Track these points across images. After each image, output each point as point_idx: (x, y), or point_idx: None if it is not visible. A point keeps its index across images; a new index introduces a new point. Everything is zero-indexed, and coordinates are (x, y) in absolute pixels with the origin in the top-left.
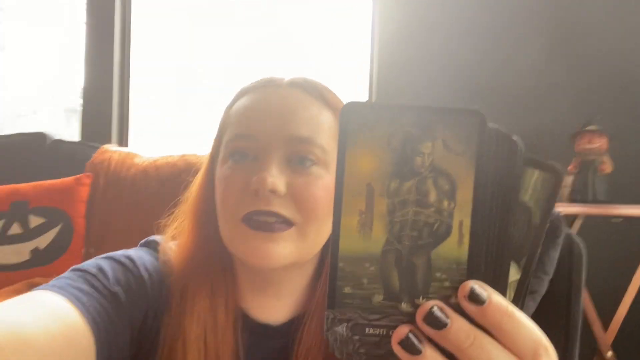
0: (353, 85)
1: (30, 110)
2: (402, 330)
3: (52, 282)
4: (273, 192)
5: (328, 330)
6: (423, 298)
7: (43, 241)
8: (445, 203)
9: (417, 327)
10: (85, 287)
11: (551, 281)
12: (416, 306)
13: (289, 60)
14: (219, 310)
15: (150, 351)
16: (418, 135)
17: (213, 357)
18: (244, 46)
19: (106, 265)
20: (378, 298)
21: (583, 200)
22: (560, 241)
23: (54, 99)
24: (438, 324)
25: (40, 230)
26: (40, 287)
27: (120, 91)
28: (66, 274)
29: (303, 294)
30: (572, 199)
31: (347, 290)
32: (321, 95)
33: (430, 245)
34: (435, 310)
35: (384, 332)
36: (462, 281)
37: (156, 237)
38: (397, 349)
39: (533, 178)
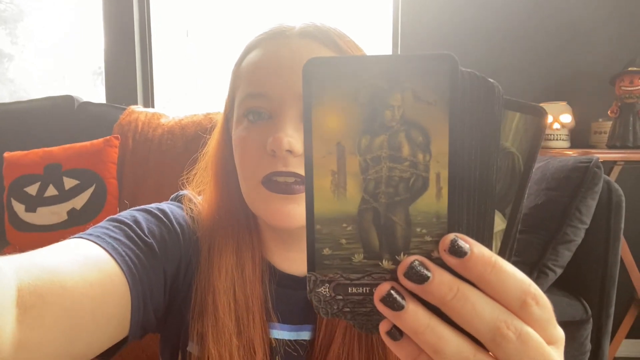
0: (377, 36)
1: (59, 74)
2: (384, 287)
3: (90, 230)
4: (290, 151)
5: (311, 292)
6: (404, 254)
7: (79, 202)
8: (420, 156)
9: (400, 284)
10: (121, 237)
11: (588, 230)
12: (397, 263)
13: (312, 11)
14: (245, 264)
15: (183, 302)
16: (386, 87)
17: (243, 309)
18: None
19: (141, 217)
20: (358, 257)
21: (623, 146)
22: (599, 189)
23: (80, 62)
24: (420, 278)
25: (75, 192)
26: (78, 235)
27: (142, 52)
28: (103, 223)
29: None
30: (612, 145)
31: (326, 251)
32: (334, 42)
33: (408, 201)
34: (416, 264)
35: (367, 290)
36: (443, 235)
37: (185, 192)
38: (380, 306)
39: (514, 122)
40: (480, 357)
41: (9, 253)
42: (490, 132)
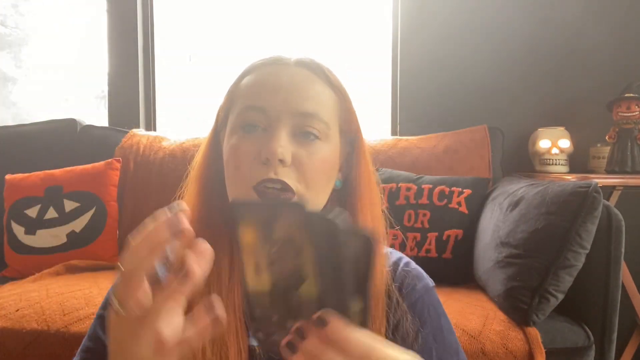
0: (376, 60)
1: (62, 98)
2: (287, 339)
3: None
4: (281, 161)
5: (254, 334)
6: (297, 320)
7: (79, 224)
8: (301, 259)
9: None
10: None
11: (589, 255)
12: (289, 328)
13: (310, 42)
14: (222, 272)
15: None
16: (272, 224)
17: None
18: (266, 25)
19: (98, 325)
20: (274, 319)
21: (621, 171)
22: (598, 214)
23: (83, 86)
24: (294, 349)
25: (75, 214)
26: None
27: (146, 76)
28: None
29: None
30: (610, 170)
31: (257, 313)
32: (324, 74)
33: (297, 286)
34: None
35: (279, 339)
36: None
37: None
38: (283, 349)
39: (355, 244)
40: None
41: (8, 275)
42: (337, 254)
